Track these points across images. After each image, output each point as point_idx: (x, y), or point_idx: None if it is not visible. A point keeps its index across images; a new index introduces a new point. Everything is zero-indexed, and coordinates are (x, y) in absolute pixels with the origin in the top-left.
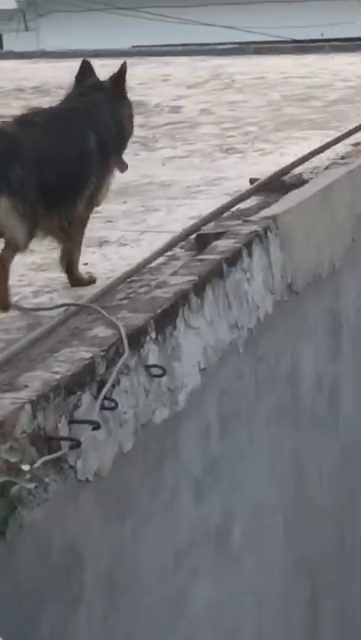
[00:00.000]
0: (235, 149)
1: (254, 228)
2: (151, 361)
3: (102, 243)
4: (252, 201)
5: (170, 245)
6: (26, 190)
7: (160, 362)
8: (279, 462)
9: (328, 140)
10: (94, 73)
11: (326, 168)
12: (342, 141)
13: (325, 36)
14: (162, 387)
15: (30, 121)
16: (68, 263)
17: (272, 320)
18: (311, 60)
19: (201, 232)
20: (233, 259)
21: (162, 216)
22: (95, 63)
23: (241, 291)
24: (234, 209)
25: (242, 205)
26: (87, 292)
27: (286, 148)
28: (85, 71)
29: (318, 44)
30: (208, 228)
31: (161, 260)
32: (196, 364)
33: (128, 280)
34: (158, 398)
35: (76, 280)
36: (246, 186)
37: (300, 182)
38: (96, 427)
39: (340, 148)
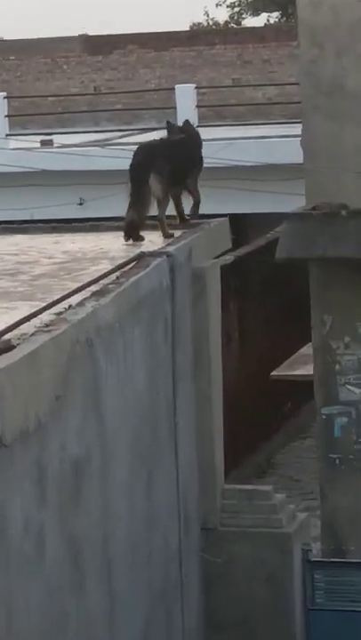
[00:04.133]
0: None
1: None
2: None
3: None
4: None
5: None
6: (165, 172)
7: None
8: None
9: (34, 310)
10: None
11: (33, 334)
12: (47, 311)
13: (35, 217)
14: None
15: (164, 140)
16: (181, 212)
17: None
18: (20, 239)
19: None
20: None
21: None
22: None
23: None
24: None
25: None
26: None
27: None
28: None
29: (26, 225)
30: None
31: None
32: None
33: None
34: None
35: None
36: None
37: (9, 347)
38: None
39: (46, 317)
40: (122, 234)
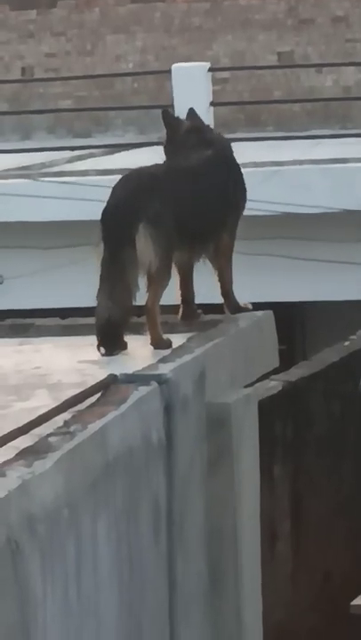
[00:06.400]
0: None
1: None
2: None
3: None
4: None
5: None
6: (163, 223)
7: None
8: None
9: None
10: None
11: None
12: None
13: None
14: None
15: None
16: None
17: None
18: None
19: None
20: None
21: None
22: None
23: None
24: None
25: None
26: None
27: None
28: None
29: None
30: None
31: None
32: None
33: None
34: None
35: None
36: None
37: None
38: None
39: None
40: (79, 340)
